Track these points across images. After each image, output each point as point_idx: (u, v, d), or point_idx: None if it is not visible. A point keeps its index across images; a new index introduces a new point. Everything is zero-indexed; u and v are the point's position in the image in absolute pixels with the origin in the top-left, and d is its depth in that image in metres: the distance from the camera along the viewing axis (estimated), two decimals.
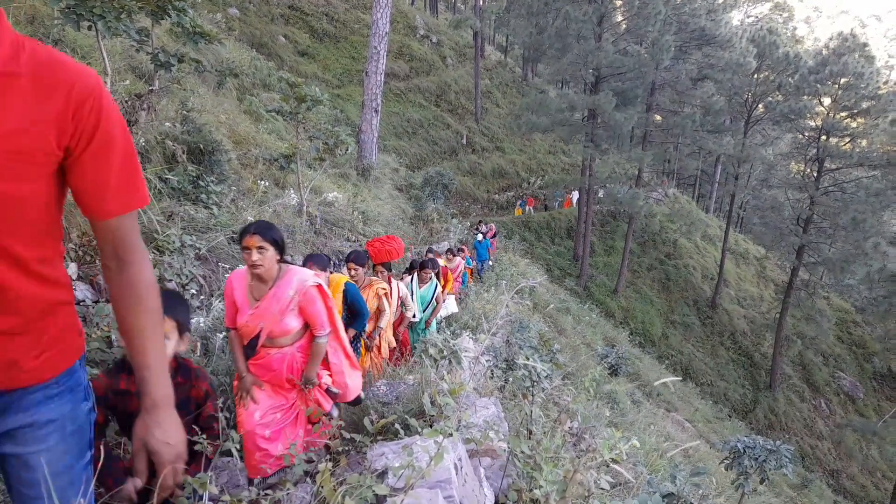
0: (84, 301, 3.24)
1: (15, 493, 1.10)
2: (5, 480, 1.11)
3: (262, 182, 6.84)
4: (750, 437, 5.65)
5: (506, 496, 2.30)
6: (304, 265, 3.67)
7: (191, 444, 1.42)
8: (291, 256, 4.98)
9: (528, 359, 2.96)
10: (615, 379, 10.72)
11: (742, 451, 5.40)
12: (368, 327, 4.49)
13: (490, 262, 13.00)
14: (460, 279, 8.73)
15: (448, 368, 3.10)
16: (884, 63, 78.87)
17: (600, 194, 26.25)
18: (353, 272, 4.25)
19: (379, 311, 4.48)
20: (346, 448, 2.40)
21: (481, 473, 2.46)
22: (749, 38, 25.65)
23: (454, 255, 8.19)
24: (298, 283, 2.68)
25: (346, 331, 3.87)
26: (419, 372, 3.18)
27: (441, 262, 7.13)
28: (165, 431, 1.16)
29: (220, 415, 1.92)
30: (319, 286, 2.79)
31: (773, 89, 26.21)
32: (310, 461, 2.20)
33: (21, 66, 0.95)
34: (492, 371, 3.44)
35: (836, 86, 23.08)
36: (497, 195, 29.39)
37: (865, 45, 23.77)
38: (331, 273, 3.96)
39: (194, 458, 1.69)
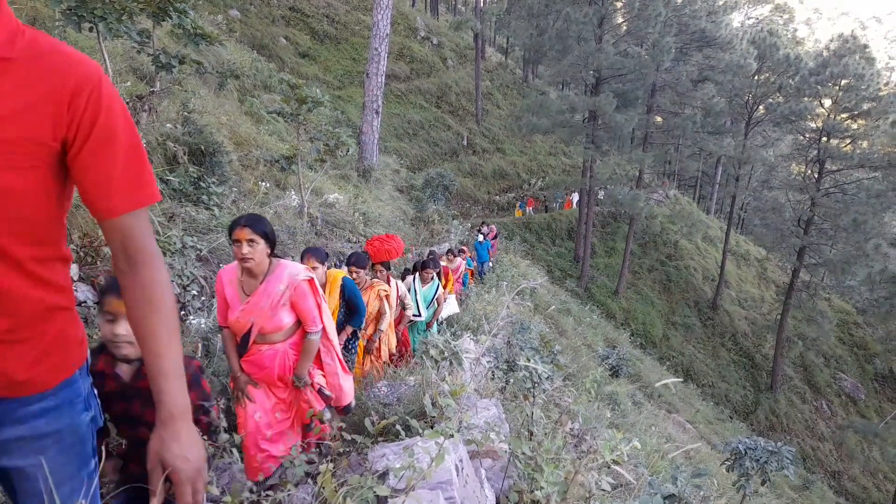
0: (85, 302, 3.25)
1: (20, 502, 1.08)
2: (8, 492, 1.08)
3: (264, 183, 6.84)
4: (751, 439, 5.64)
5: (507, 497, 2.29)
6: (302, 258, 3.66)
7: None
8: (292, 258, 4.98)
9: (529, 360, 2.95)
10: (616, 380, 10.71)
11: (743, 452, 5.39)
12: (369, 330, 4.48)
13: (490, 264, 13.00)
14: (461, 280, 8.73)
15: (449, 370, 3.09)
16: (884, 64, 78.90)
17: (601, 195, 26.26)
18: (354, 276, 4.24)
19: (380, 314, 4.47)
20: (347, 449, 2.40)
21: (482, 474, 2.46)
22: (750, 40, 25.65)
23: (455, 256, 8.20)
24: (289, 277, 2.64)
25: (344, 328, 3.87)
26: (420, 373, 3.17)
27: (442, 262, 7.14)
28: (183, 445, 1.05)
29: (218, 414, 1.89)
30: (311, 280, 2.74)
31: (774, 91, 26.23)
32: (311, 462, 2.20)
33: (15, 52, 0.91)
34: (493, 372, 3.43)
35: (837, 87, 23.09)
36: (498, 196, 29.41)
37: (866, 46, 23.79)
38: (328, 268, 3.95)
39: None
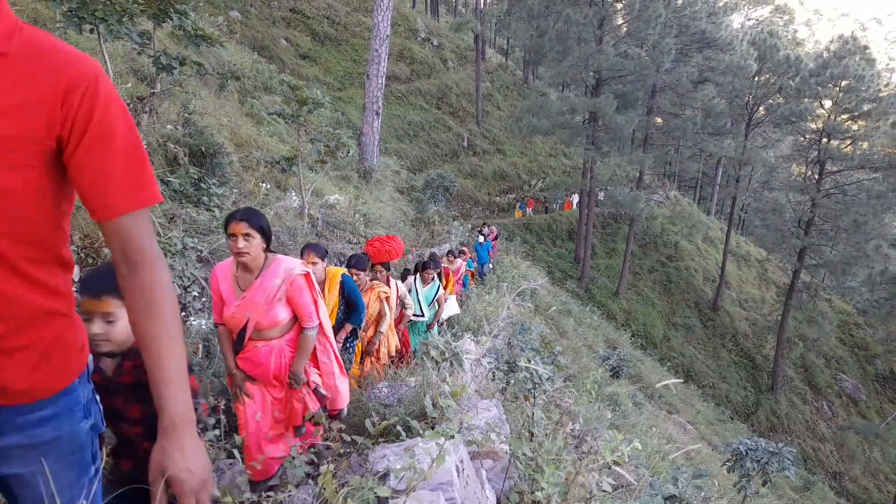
0: None
1: None
2: (8, 499, 1.07)
3: (264, 184, 6.85)
4: (752, 440, 5.63)
5: (508, 498, 2.30)
6: (301, 253, 3.65)
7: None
8: None
9: (529, 361, 2.95)
10: (617, 381, 10.70)
11: (744, 453, 5.38)
12: (369, 332, 4.48)
13: (490, 265, 12.99)
14: (462, 281, 8.73)
15: (449, 370, 3.09)
16: (884, 66, 78.98)
17: (601, 197, 26.26)
18: (354, 278, 4.23)
19: (380, 316, 4.47)
20: (348, 450, 2.39)
21: (483, 475, 2.46)
22: (750, 41, 25.66)
23: (455, 258, 8.20)
24: (285, 271, 2.61)
25: (343, 326, 3.85)
26: (421, 374, 3.17)
27: (443, 263, 7.14)
28: (187, 457, 1.00)
29: (207, 413, 1.87)
30: (307, 275, 2.72)
31: (774, 92, 26.23)
32: (311, 463, 2.20)
33: (10, 47, 0.89)
34: (493, 373, 3.43)
35: (837, 88, 23.10)
36: (498, 197, 29.44)
37: (866, 47, 23.81)
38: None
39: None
